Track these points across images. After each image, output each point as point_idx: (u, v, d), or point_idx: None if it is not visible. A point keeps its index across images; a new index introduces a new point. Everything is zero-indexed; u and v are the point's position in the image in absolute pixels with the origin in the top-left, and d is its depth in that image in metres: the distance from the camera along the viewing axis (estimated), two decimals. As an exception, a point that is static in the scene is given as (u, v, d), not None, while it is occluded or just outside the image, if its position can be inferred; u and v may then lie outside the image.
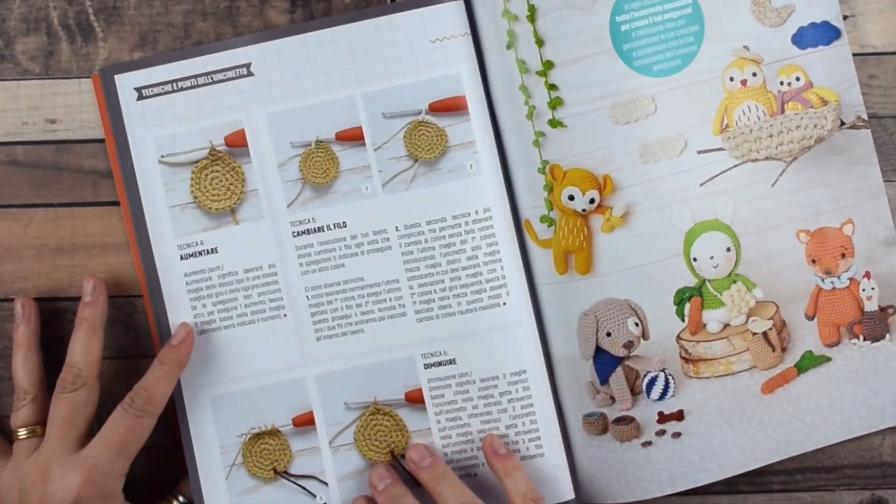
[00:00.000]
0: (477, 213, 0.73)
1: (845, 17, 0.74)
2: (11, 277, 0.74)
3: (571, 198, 0.72)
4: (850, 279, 0.74)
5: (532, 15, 0.72)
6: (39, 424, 0.69)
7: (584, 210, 0.72)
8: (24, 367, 0.70)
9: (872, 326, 0.74)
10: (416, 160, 0.74)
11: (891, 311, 0.74)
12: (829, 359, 0.74)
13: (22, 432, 0.69)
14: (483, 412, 0.73)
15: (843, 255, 0.74)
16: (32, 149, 0.74)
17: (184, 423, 0.73)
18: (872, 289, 0.74)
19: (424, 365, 0.73)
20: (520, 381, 0.73)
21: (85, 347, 0.69)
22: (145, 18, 0.74)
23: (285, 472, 0.73)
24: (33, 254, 0.74)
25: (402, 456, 0.73)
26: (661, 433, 0.73)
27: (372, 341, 0.73)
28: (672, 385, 0.73)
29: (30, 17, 0.74)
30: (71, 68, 0.74)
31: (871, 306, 0.74)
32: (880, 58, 0.74)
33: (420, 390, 0.73)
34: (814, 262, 0.74)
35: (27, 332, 0.71)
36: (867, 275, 0.74)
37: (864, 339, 0.74)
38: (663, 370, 0.73)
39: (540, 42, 0.72)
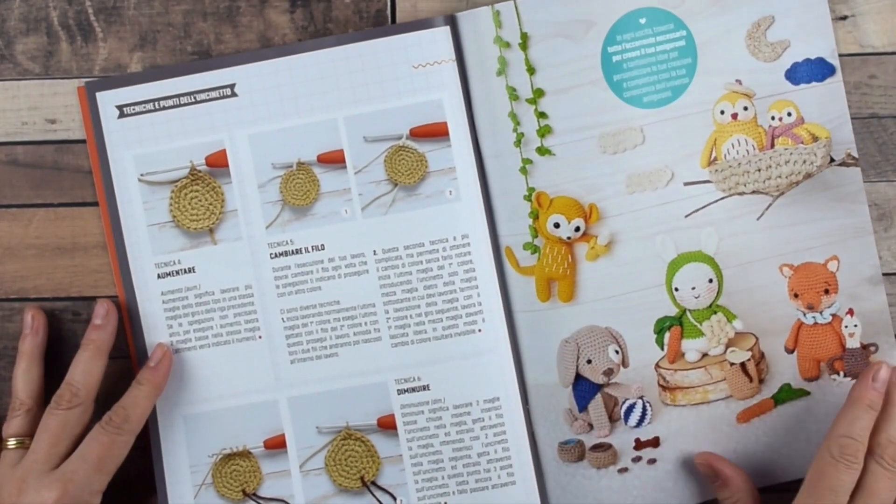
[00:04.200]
0: (455, 239, 0.69)
1: (844, 17, 0.70)
2: (11, 277, 0.71)
3: (557, 225, 0.69)
4: (833, 315, 0.69)
5: (524, 43, 0.69)
6: (29, 436, 0.66)
7: (569, 238, 0.69)
8: (24, 377, 0.67)
9: (853, 363, 0.69)
10: (396, 185, 0.69)
11: (873, 349, 0.69)
12: (807, 393, 0.69)
13: (11, 442, 0.66)
14: (455, 439, 0.69)
15: (827, 291, 0.69)
16: (32, 149, 0.71)
17: (155, 440, 0.69)
18: (855, 326, 0.69)
19: (398, 391, 0.69)
20: (493, 409, 0.69)
21: (87, 368, 0.66)
22: (145, 18, 0.71)
23: (254, 495, 0.69)
24: (33, 254, 0.71)
25: (373, 482, 0.69)
26: (637, 459, 0.69)
27: (346, 365, 0.69)
28: (649, 412, 0.69)
29: (30, 17, 0.71)
30: (71, 68, 0.71)
31: (853, 343, 0.69)
32: (880, 58, 0.70)
33: (393, 416, 0.69)
34: (796, 296, 0.69)
35: (33, 343, 0.68)
36: (850, 312, 0.69)
37: (845, 376, 0.69)
38: (641, 397, 0.69)
39: (531, 70, 0.69)
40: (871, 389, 0.64)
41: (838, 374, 0.69)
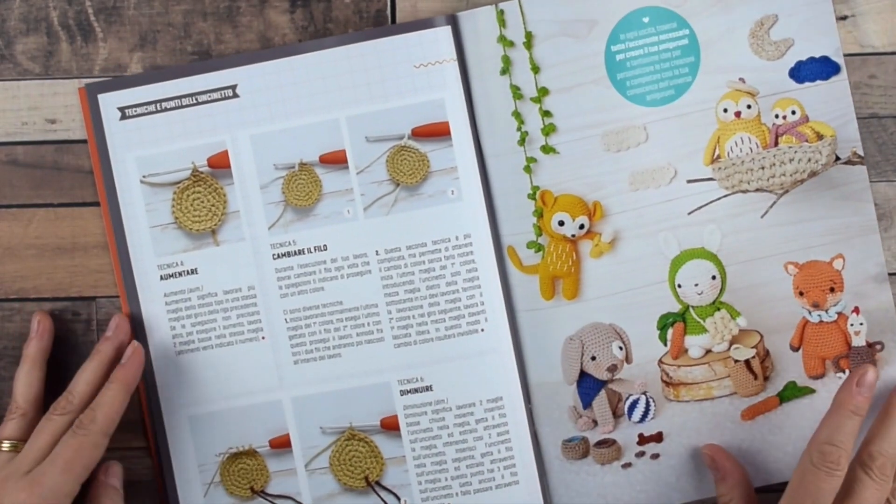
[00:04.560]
0: (457, 238, 0.68)
1: (845, 17, 0.69)
2: (11, 277, 0.70)
3: (561, 223, 0.68)
4: (839, 313, 0.68)
5: (528, 41, 0.68)
6: (24, 440, 0.65)
7: (573, 235, 0.68)
8: (24, 381, 0.67)
9: (859, 361, 0.68)
10: (398, 185, 0.68)
11: (879, 347, 0.68)
12: (812, 391, 0.68)
13: (5, 445, 0.65)
14: (458, 440, 0.68)
15: (832, 290, 0.68)
16: (32, 149, 0.70)
17: (162, 440, 0.69)
18: (861, 324, 0.68)
19: (401, 391, 0.68)
20: (496, 408, 0.68)
21: (89, 378, 0.66)
22: (145, 18, 0.70)
23: (262, 492, 0.69)
24: (33, 254, 0.70)
25: (377, 482, 0.69)
26: (640, 454, 0.69)
27: (349, 366, 0.68)
28: (653, 407, 0.69)
29: (30, 17, 0.70)
30: (71, 68, 0.70)
31: (858, 341, 0.68)
32: (880, 58, 0.69)
33: (396, 417, 0.68)
34: (801, 294, 0.68)
35: (37, 348, 0.68)
36: (856, 310, 0.68)
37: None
38: (644, 393, 0.69)
39: (536, 69, 0.68)
40: (857, 395, 0.63)
41: (844, 372, 0.67)
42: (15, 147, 0.70)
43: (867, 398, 0.63)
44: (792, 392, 0.68)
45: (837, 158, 0.67)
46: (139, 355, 0.67)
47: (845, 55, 0.69)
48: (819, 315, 0.68)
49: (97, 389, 0.66)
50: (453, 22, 0.68)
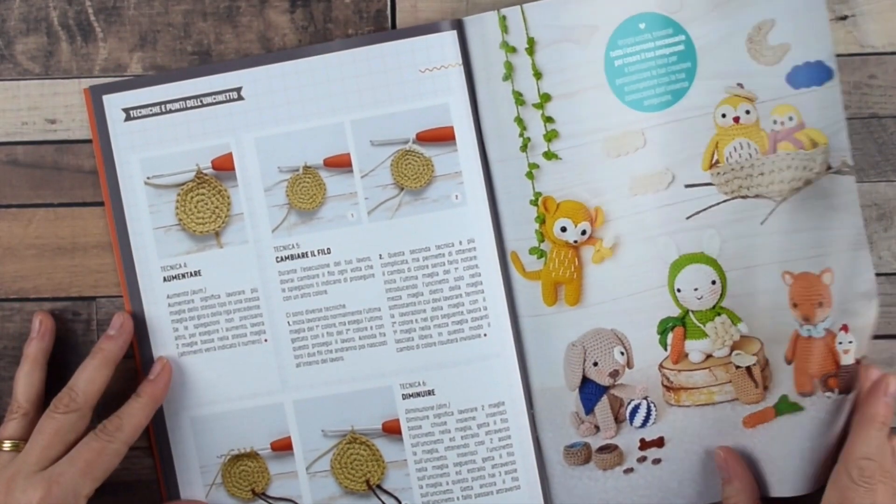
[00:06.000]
0: (461, 243, 0.68)
1: (845, 17, 0.69)
2: (11, 277, 0.69)
3: (564, 229, 0.68)
4: (827, 330, 0.65)
5: (531, 48, 0.68)
6: (25, 440, 0.65)
7: (575, 241, 0.68)
8: (25, 380, 0.66)
9: (849, 380, 0.64)
10: (402, 189, 0.68)
11: (863, 359, 0.64)
12: (801, 408, 0.66)
13: (6, 444, 0.65)
14: (460, 444, 0.68)
15: (821, 304, 0.65)
16: (32, 149, 0.69)
17: (164, 441, 0.68)
18: (850, 342, 0.65)
19: (403, 395, 0.68)
20: (498, 413, 0.68)
21: (91, 376, 0.65)
22: (145, 18, 0.69)
23: (263, 494, 0.69)
24: (33, 254, 0.69)
25: (378, 486, 0.68)
26: (642, 460, 0.68)
27: (351, 369, 0.68)
28: (654, 412, 0.68)
29: (30, 17, 0.69)
30: (71, 68, 0.69)
31: (847, 360, 0.65)
32: (880, 58, 0.69)
33: (397, 421, 0.68)
34: (795, 306, 0.66)
35: (38, 348, 0.67)
36: (845, 328, 0.65)
37: (840, 393, 0.65)
38: (646, 398, 0.68)
39: (538, 75, 0.68)
40: (884, 406, 0.62)
41: (832, 391, 0.65)
42: (15, 147, 0.69)
43: (893, 407, 0.62)
44: (784, 406, 0.66)
45: (829, 167, 0.66)
46: (168, 372, 0.67)
47: (845, 55, 0.68)
48: (808, 330, 0.65)
49: (100, 388, 0.65)
50: (459, 26, 0.67)
